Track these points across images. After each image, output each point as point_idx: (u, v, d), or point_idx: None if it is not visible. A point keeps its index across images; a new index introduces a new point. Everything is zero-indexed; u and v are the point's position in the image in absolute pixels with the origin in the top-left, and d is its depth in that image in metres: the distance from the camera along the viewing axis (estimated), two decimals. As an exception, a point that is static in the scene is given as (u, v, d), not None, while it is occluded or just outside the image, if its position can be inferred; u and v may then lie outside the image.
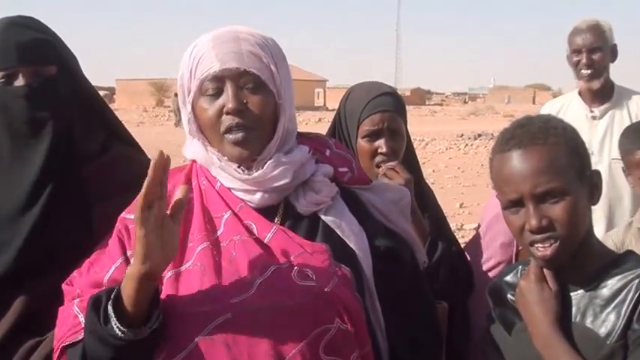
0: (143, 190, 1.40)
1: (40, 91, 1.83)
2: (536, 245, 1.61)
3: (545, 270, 1.67)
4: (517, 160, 1.62)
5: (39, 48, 1.85)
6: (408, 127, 2.50)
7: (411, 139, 2.55)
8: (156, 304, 1.47)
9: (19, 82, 1.83)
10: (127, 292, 1.45)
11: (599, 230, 2.96)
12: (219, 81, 1.57)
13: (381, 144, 2.37)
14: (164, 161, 1.40)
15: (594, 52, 3.69)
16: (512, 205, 1.63)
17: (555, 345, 1.59)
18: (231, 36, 1.60)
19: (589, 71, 3.72)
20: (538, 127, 1.65)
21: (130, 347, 1.45)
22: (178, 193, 1.46)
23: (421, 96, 77.81)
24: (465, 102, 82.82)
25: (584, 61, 3.70)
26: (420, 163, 2.65)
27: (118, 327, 1.45)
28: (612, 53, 3.78)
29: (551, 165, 1.60)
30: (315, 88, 71.02)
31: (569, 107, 3.83)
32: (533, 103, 67.53)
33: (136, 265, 1.43)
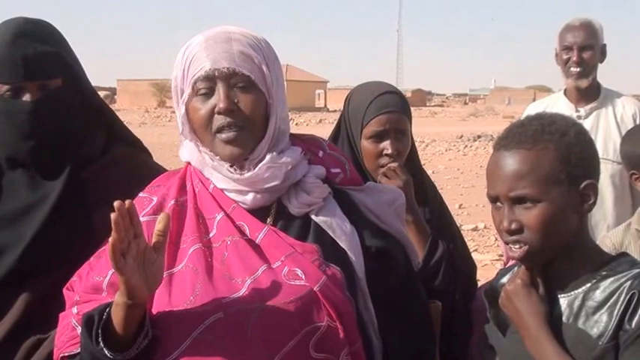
0: (111, 241, 1.39)
1: (45, 106, 1.85)
2: (509, 245, 1.64)
3: (533, 273, 1.67)
4: (502, 161, 1.64)
5: (45, 62, 1.85)
6: (409, 128, 2.45)
7: (413, 137, 2.51)
8: (143, 326, 1.49)
9: (26, 97, 1.84)
10: (116, 318, 1.48)
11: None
12: (210, 81, 1.59)
13: (386, 145, 2.33)
14: (125, 210, 1.40)
15: (585, 50, 3.67)
16: (493, 200, 1.66)
17: (545, 346, 1.59)
18: (223, 37, 1.62)
19: (578, 69, 3.69)
20: (533, 130, 1.64)
21: None
22: (159, 221, 1.46)
23: (422, 97, 77.77)
24: (466, 103, 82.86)
25: (574, 58, 3.67)
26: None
27: (106, 350, 1.47)
28: (602, 53, 3.77)
29: (532, 171, 1.60)
30: (316, 90, 70.96)
31: (554, 107, 3.77)
32: (534, 104, 67.58)
33: (122, 298, 1.45)
